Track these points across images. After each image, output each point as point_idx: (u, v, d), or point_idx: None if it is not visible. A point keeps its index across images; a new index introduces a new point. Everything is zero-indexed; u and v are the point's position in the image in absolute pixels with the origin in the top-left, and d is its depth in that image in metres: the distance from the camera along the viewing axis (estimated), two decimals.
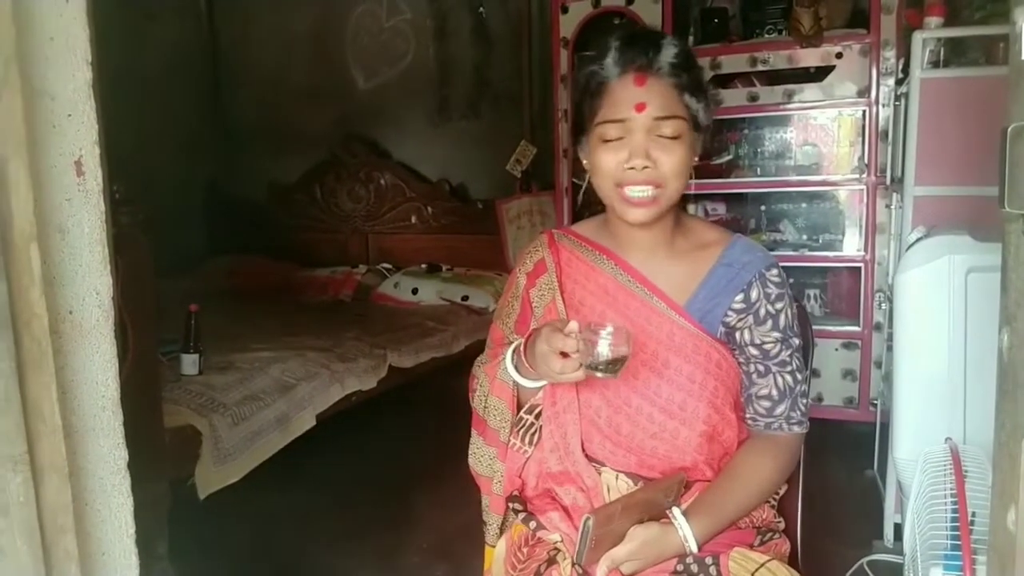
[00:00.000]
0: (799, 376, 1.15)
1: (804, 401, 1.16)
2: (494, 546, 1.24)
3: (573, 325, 1.02)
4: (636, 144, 1.07)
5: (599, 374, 1.02)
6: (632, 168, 1.07)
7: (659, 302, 1.15)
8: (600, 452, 1.15)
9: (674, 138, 1.07)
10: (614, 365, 1.02)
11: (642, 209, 1.10)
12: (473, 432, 1.28)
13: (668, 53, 1.07)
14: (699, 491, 1.13)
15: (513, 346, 1.16)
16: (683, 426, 1.12)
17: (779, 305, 1.14)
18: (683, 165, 1.09)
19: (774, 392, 1.14)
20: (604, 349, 1.00)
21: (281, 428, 2.45)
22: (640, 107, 1.06)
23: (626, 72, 1.08)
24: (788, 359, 1.14)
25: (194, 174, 4.90)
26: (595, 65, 1.12)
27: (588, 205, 3.60)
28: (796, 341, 1.16)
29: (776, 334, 1.13)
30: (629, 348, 1.02)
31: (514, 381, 1.16)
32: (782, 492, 1.23)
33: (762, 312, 1.13)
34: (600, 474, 1.15)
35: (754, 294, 1.13)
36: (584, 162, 1.17)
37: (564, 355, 1.01)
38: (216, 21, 5.05)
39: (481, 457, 1.26)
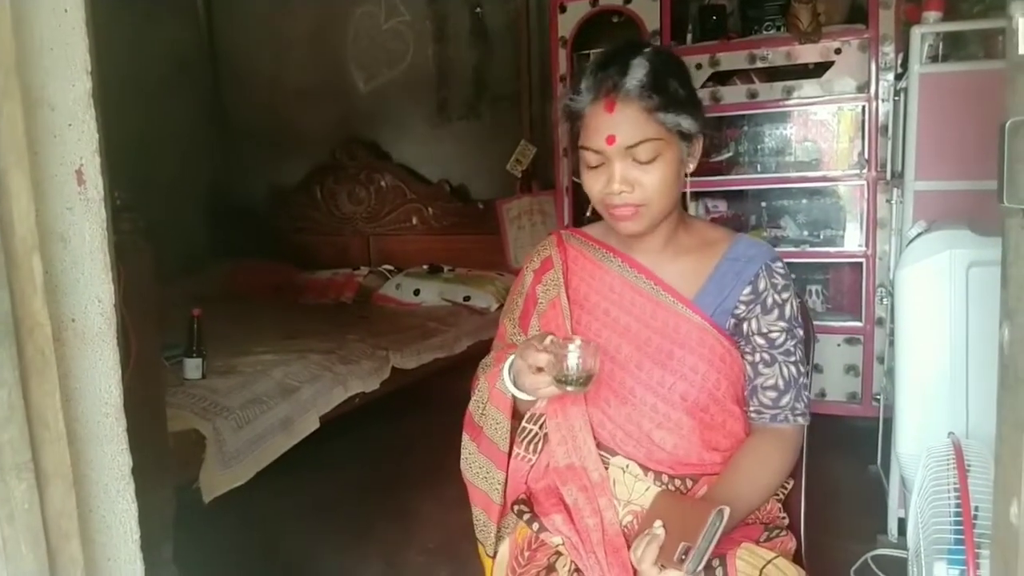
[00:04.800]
0: (802, 368, 1.18)
1: (806, 394, 1.19)
2: (492, 556, 1.24)
3: (548, 339, 1.05)
4: (613, 171, 1.10)
5: (569, 388, 1.04)
6: (611, 192, 1.11)
7: (666, 296, 1.17)
8: (611, 440, 1.17)
9: (650, 161, 1.09)
10: (583, 379, 1.03)
11: (629, 222, 1.13)
12: (465, 436, 1.27)
13: (636, 75, 1.07)
14: (707, 484, 1.14)
15: (511, 357, 1.17)
16: (687, 415, 1.14)
17: (785, 295, 1.17)
18: (665, 183, 1.11)
19: (780, 382, 1.16)
20: (572, 362, 1.02)
21: (285, 431, 2.45)
22: (610, 140, 1.09)
23: (597, 99, 1.10)
24: (792, 349, 1.17)
25: (195, 178, 4.92)
26: (571, 93, 1.14)
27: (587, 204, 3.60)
28: (800, 332, 1.19)
29: (782, 323, 1.16)
30: (597, 362, 1.04)
31: (511, 393, 1.17)
32: (789, 487, 1.24)
33: (769, 301, 1.16)
34: (608, 467, 1.16)
35: (761, 284, 1.17)
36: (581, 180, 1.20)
37: (540, 370, 1.04)
38: (215, 24, 5.06)
39: (473, 465, 1.25)
